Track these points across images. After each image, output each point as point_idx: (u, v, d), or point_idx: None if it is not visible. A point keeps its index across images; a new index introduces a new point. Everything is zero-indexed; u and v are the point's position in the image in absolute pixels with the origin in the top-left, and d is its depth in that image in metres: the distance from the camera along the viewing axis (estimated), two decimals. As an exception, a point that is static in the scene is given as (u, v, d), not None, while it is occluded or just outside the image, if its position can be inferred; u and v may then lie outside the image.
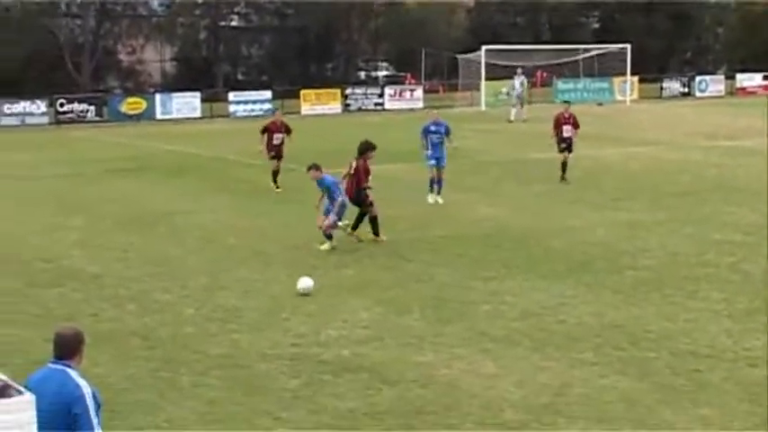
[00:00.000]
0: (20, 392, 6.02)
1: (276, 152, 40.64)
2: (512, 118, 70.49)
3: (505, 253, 28.94)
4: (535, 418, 16.94)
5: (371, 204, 30.40)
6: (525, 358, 19.93)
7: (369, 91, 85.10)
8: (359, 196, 30.43)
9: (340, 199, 29.61)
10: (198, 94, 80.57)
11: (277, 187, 40.49)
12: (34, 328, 22.28)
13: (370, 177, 30.60)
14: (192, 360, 20.12)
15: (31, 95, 76.46)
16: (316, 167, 30.04)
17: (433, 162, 36.99)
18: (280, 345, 20.90)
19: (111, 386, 18.30)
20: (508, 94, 79.18)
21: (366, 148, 30.82)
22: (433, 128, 37.35)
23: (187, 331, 22.15)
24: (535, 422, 16.81)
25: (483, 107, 78.23)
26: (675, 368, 19.32)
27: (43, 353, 20.74)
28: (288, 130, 41.58)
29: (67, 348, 11.18)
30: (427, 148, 37.29)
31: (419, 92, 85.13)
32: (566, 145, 41.99)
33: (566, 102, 47.21)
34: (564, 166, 41.79)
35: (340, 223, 30.06)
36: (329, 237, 29.43)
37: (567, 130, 42.07)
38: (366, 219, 30.53)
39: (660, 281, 25.65)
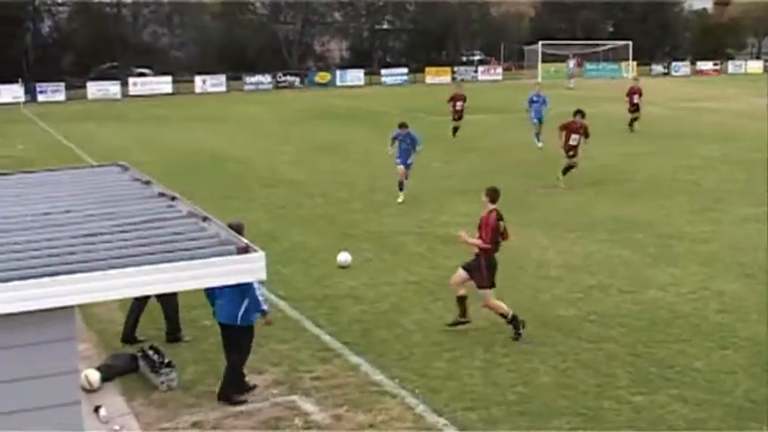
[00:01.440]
0: (256, 250, 6.06)
1: (459, 115, 37.49)
2: (570, 85, 69.20)
3: (552, 170, 28.70)
4: (569, 274, 16.94)
5: (572, 156, 26.12)
6: (564, 236, 19.88)
7: (468, 68, 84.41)
8: (569, 148, 26.08)
9: (418, 148, 24.56)
10: (362, 70, 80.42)
11: (454, 136, 37.06)
12: (259, 211, 22.65)
13: (574, 135, 25.81)
14: (356, 233, 20.28)
15: (262, 71, 76.91)
16: (406, 125, 24.84)
17: (535, 121, 34.66)
18: (411, 225, 21.02)
19: (309, 247, 18.47)
20: (555, 71, 78.15)
21: (577, 112, 26.27)
22: (535, 98, 35.11)
23: (354, 217, 22.28)
24: (569, 275, 16.82)
25: (539, 79, 76.80)
26: (656, 244, 19.19)
27: (269, 226, 21.00)
28: (465, 99, 37.74)
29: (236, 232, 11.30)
30: (530, 112, 35.09)
31: (499, 69, 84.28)
32: (635, 108, 39.23)
33: (635, 79, 43.57)
34: (632, 121, 39.03)
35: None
36: (402, 187, 24.31)
37: (635, 98, 39.33)
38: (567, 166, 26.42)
39: (648, 190, 25.39)
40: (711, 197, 24.13)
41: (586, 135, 26.19)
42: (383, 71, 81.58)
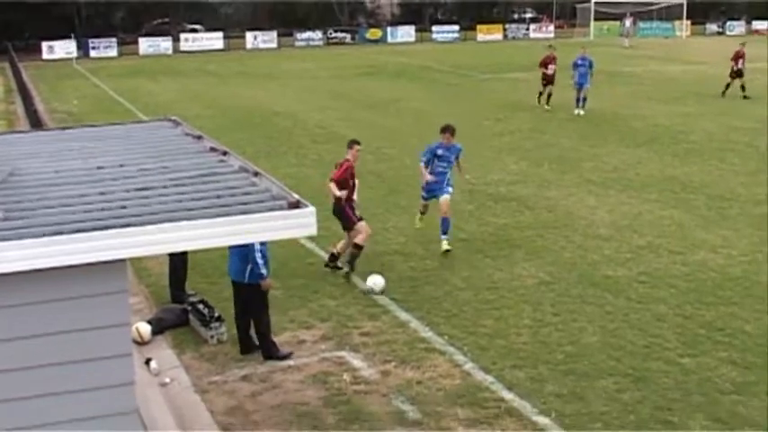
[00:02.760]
0: (307, 206, 6.02)
1: (549, 79, 33.60)
2: (625, 44, 66.74)
3: (603, 129, 28.46)
4: (618, 233, 16.81)
5: None
6: (614, 196, 19.72)
7: (519, 26, 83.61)
8: None
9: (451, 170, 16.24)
10: (413, 26, 79.95)
11: (548, 104, 33.47)
12: (311, 167, 22.60)
13: None
14: (405, 190, 20.17)
15: (313, 28, 76.92)
16: (452, 131, 16.03)
17: (578, 86, 32.50)
18: (461, 183, 20.76)
19: (359, 204, 18.45)
20: (608, 30, 77.09)
21: None
22: (579, 62, 32.75)
23: (404, 174, 22.11)
24: (618, 235, 16.68)
25: (591, 38, 76.02)
26: (708, 205, 18.97)
27: (320, 182, 21.02)
28: (556, 61, 33.95)
29: None
30: (574, 77, 32.77)
31: (551, 27, 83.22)
32: (738, 73, 37.20)
33: (742, 43, 40.05)
34: (743, 87, 36.83)
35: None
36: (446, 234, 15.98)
37: (740, 63, 37.58)
38: None
39: (701, 150, 25.11)
40: (766, 159, 23.73)
41: None
42: (434, 28, 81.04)
